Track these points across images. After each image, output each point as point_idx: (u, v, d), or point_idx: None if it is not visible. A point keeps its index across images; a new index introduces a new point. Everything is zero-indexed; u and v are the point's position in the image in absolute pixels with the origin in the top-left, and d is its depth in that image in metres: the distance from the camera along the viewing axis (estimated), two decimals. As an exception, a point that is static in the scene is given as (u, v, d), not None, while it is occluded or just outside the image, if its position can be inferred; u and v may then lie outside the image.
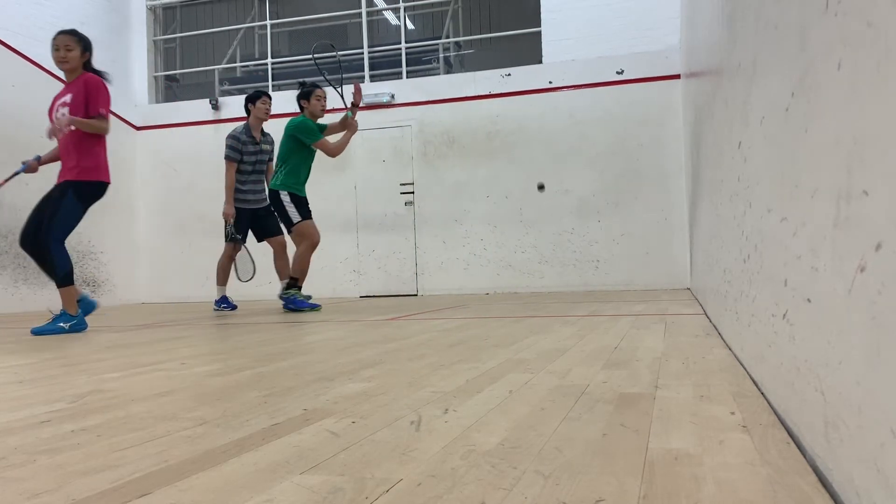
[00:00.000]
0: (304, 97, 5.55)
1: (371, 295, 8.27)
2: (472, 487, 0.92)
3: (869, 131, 0.67)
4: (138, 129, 9.13)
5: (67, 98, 4.19)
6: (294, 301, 5.41)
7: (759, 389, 1.49)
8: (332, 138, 5.56)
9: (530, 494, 0.89)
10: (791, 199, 1.06)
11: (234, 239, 5.78)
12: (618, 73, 7.66)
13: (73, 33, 4.29)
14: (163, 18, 9.70)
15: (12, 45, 7.47)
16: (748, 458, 1.02)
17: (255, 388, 1.81)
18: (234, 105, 8.78)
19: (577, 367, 1.96)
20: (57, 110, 4.21)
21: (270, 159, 5.97)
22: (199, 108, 8.91)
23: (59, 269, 3.99)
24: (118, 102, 9.00)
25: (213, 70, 9.33)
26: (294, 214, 5.33)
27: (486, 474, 0.98)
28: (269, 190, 5.53)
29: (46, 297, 7.66)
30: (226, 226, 5.79)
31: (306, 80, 6.10)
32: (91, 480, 1.01)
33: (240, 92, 9.14)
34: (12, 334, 4.07)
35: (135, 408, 1.59)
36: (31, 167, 4.38)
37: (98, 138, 4.34)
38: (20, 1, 7.65)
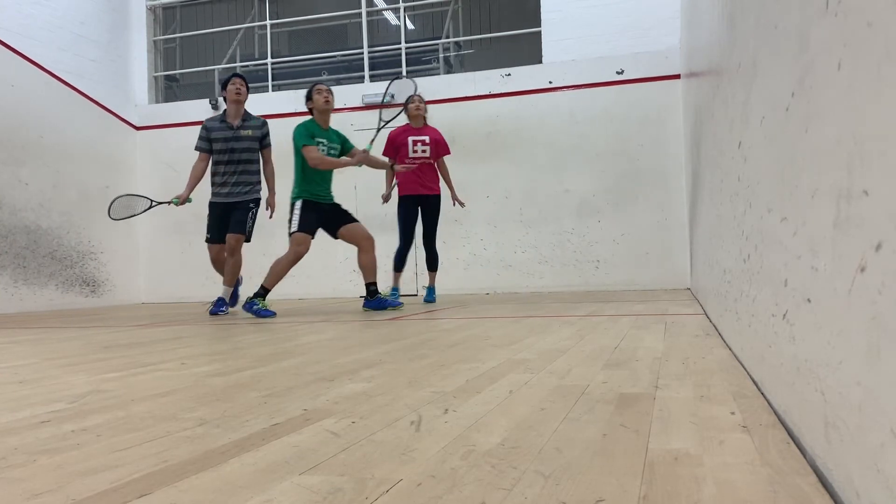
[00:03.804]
0: (307, 98, 5.41)
1: (371, 295, 8.26)
2: (472, 487, 0.92)
3: (869, 131, 0.67)
4: (138, 129, 9.12)
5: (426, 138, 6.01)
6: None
7: (759, 389, 1.49)
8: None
9: (530, 494, 0.89)
10: (791, 199, 1.06)
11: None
12: (618, 73, 7.66)
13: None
14: (163, 18, 9.69)
15: (12, 45, 7.48)
16: (748, 458, 1.02)
17: (255, 388, 1.81)
18: (234, 105, 8.77)
19: (577, 368, 1.96)
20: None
21: (266, 146, 5.60)
22: (199, 108, 8.90)
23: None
24: (118, 102, 9.04)
25: (213, 70, 9.32)
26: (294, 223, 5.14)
27: (486, 474, 0.98)
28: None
29: (46, 297, 7.67)
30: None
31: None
32: (91, 480, 1.01)
33: (240, 92, 9.13)
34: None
35: (135, 408, 1.59)
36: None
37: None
38: (20, 1, 7.65)
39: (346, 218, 5.40)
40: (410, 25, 9.16)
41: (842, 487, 0.81)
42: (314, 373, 2.05)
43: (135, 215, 5.76)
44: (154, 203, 5.62)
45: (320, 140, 5.24)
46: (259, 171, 5.61)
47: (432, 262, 6.36)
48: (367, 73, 8.67)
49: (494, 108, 8.01)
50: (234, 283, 5.62)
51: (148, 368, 2.29)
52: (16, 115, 7.48)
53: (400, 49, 8.58)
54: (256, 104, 8.79)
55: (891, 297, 0.61)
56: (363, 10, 8.73)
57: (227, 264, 5.56)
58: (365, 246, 5.35)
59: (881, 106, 0.64)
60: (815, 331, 0.92)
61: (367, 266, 5.37)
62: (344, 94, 8.54)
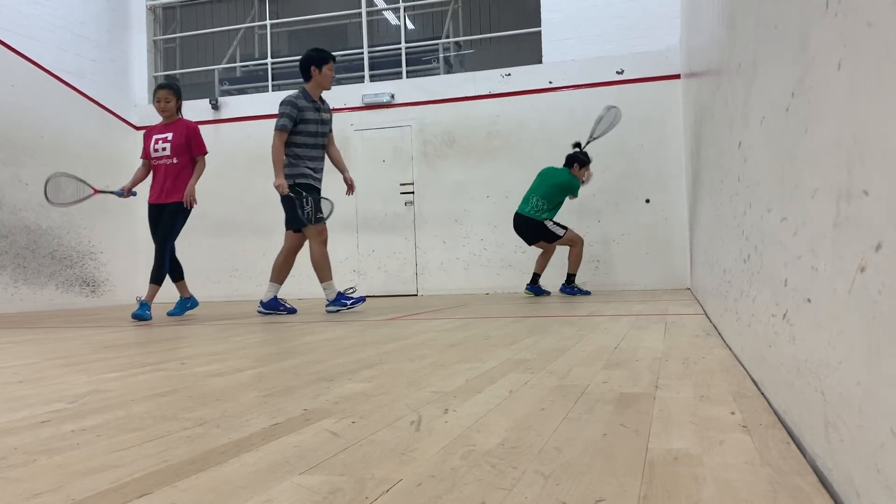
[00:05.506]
0: (583, 164, 6.75)
1: (371, 295, 8.27)
2: (472, 487, 0.92)
3: (869, 131, 0.67)
4: (138, 129, 9.11)
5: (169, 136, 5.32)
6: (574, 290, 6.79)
7: (759, 389, 1.49)
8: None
9: (530, 494, 0.89)
10: (791, 199, 1.06)
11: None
12: (618, 73, 7.66)
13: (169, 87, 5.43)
14: (163, 18, 9.70)
15: (12, 45, 7.48)
16: (748, 458, 1.02)
17: (255, 388, 1.81)
18: (234, 105, 8.77)
19: (577, 367, 1.96)
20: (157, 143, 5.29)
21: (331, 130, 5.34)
22: (199, 108, 8.90)
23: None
24: (118, 102, 9.04)
25: (213, 70, 9.32)
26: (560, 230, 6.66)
27: (486, 474, 0.98)
28: (531, 219, 6.56)
29: (46, 297, 7.67)
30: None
31: (580, 146, 6.79)
32: (91, 480, 1.01)
33: (239, 92, 9.14)
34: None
35: (135, 408, 1.59)
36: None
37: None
38: (20, 1, 7.65)
39: None
40: (410, 25, 9.16)
41: (842, 487, 0.81)
42: (314, 373, 2.05)
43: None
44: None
45: None
46: None
47: (154, 273, 5.46)
48: (367, 73, 8.67)
49: (494, 108, 8.01)
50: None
51: (148, 368, 2.29)
52: (16, 115, 7.48)
53: (400, 49, 8.58)
54: (256, 104, 8.80)
55: (891, 297, 0.61)
56: (363, 10, 8.73)
57: (287, 262, 5.33)
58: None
59: (881, 106, 0.64)
60: (815, 331, 0.92)
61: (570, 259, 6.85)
62: (344, 95, 8.55)
